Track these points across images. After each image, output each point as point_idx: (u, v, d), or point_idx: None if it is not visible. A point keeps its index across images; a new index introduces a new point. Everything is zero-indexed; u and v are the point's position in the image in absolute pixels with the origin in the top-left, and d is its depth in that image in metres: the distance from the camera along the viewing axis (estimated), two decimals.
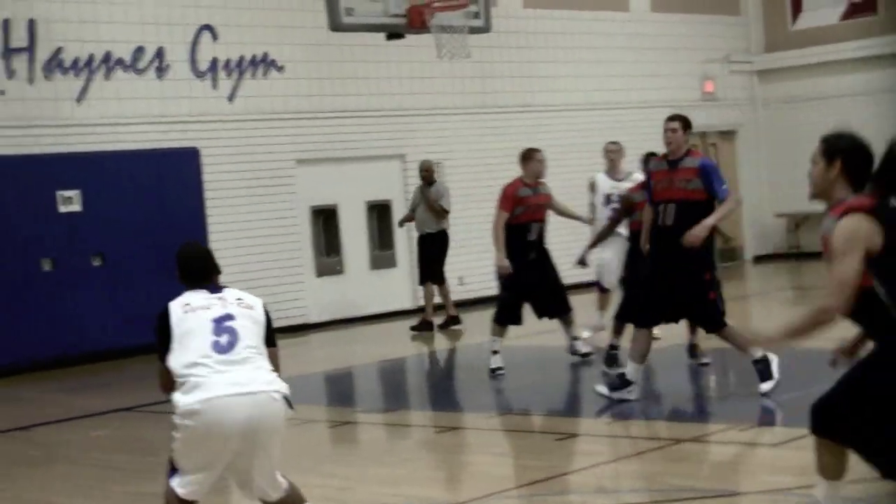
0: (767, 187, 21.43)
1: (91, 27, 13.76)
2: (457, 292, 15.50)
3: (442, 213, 14.72)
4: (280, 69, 15.41)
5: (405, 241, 16.44)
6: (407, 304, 16.55)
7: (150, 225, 14.00)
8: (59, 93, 13.50)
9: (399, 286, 16.68)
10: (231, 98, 14.98)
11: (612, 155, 12.51)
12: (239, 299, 5.67)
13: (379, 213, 16.63)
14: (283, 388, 5.42)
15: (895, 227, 4.68)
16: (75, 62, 13.61)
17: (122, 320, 13.52)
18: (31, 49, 13.28)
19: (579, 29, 18.91)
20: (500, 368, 10.86)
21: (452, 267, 15.39)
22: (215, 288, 5.70)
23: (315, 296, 15.83)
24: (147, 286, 13.30)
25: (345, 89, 16.09)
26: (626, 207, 11.06)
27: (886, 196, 4.76)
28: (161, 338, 5.51)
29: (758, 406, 8.80)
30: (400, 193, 16.57)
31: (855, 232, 4.68)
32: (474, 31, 13.66)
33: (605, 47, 19.23)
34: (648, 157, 11.06)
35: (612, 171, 12.43)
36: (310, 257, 15.99)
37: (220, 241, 14.09)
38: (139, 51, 14.17)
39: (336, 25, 12.31)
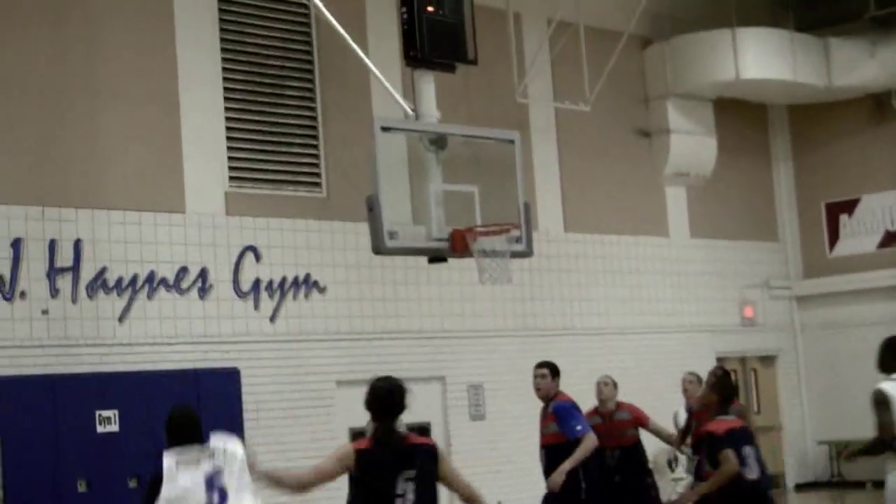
0: (808, 414, 20.89)
1: (135, 247, 13.50)
2: None
3: None
4: (322, 290, 15.09)
5: None
6: None
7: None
8: (101, 312, 13.15)
9: None
10: (273, 319, 14.60)
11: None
12: (224, 449, 6.18)
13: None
14: None
15: None
16: (119, 282, 13.31)
17: None
18: (75, 269, 12.99)
19: (619, 253, 18.63)
20: None
21: (491, 491, 14.68)
22: (203, 443, 6.07)
23: None
24: None
25: (386, 311, 15.72)
26: None
27: None
28: None
29: None
30: (440, 415, 16.03)
31: None
32: (516, 255, 13.28)
33: (644, 271, 18.91)
34: None
35: None
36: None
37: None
38: (183, 271, 13.87)
39: (379, 249, 11.92)
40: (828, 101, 20.41)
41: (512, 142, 13.08)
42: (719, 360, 19.68)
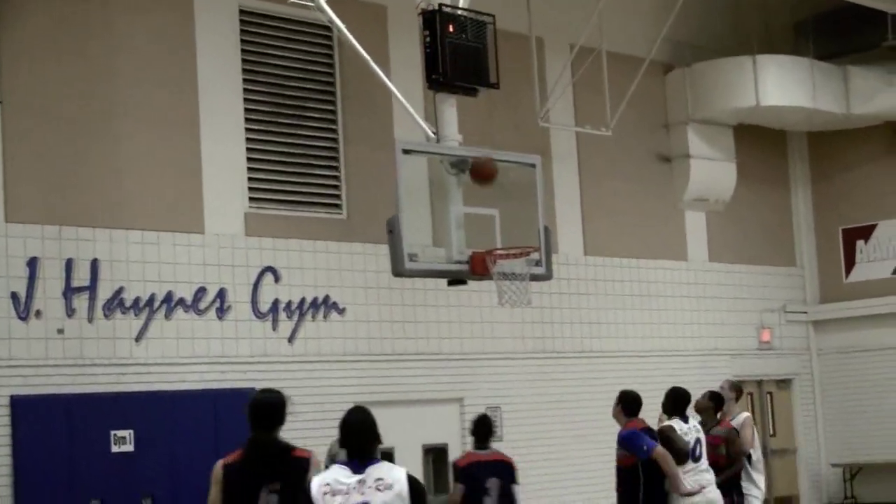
0: (823, 437, 20.42)
1: (153, 268, 12.95)
2: None
3: None
4: (341, 312, 14.51)
5: None
6: None
7: (203, 466, 12.72)
8: (118, 332, 12.60)
9: None
10: (291, 340, 14.02)
11: None
12: (379, 479, 5.40)
13: (435, 457, 15.43)
14: None
15: None
16: (136, 301, 12.75)
17: None
18: (92, 288, 12.44)
19: (638, 277, 18.09)
20: None
21: None
22: (360, 465, 5.46)
23: None
24: None
25: (405, 332, 15.15)
26: None
27: None
28: None
29: None
30: (457, 437, 15.41)
31: None
32: (536, 278, 12.76)
33: (662, 295, 18.37)
34: None
35: None
36: None
37: None
38: (201, 291, 13.30)
39: (399, 271, 11.44)
40: (846, 128, 19.90)
41: (533, 165, 12.61)
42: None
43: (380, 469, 5.46)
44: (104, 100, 12.85)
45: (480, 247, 11.75)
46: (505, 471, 9.96)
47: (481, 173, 11.20)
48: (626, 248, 17.98)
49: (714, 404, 11.84)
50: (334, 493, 5.37)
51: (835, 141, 20.39)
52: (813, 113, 19.05)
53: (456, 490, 9.89)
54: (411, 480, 5.43)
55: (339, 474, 5.43)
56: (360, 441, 5.53)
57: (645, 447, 10.21)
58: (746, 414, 11.97)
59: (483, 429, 10.18)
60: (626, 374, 17.04)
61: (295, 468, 6.01)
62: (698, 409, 11.81)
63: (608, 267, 17.69)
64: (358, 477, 5.41)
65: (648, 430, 10.64)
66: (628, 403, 10.74)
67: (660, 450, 10.22)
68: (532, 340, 16.55)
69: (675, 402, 11.34)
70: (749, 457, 11.70)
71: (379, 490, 5.38)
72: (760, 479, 11.81)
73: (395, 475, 5.45)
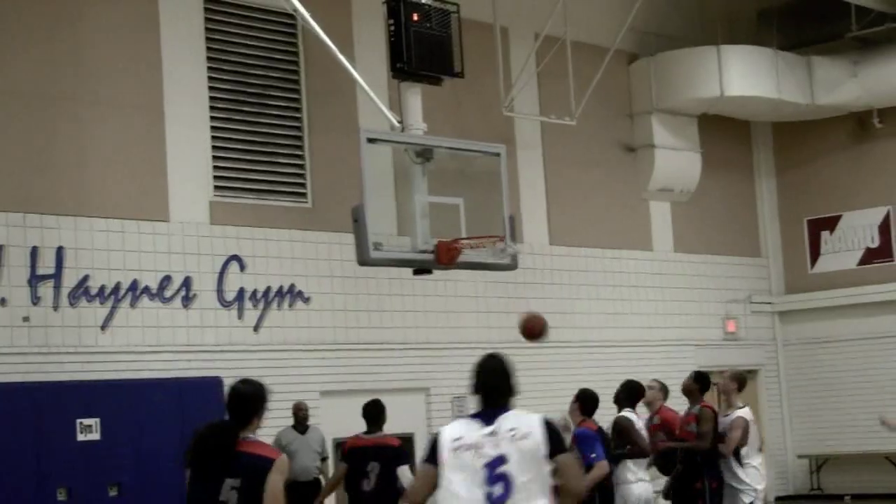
0: (789, 428, 20.74)
1: (118, 256, 13.17)
2: None
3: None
4: (306, 300, 14.77)
5: None
6: None
7: (169, 454, 13.04)
8: (83, 320, 12.82)
9: None
10: (256, 328, 14.28)
11: None
12: (512, 430, 5.05)
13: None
14: None
15: None
16: (101, 290, 12.97)
17: None
18: (57, 276, 12.66)
19: (603, 267, 18.38)
20: None
21: None
22: (491, 416, 5.14)
23: None
24: None
25: (370, 321, 15.42)
26: None
27: None
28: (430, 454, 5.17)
29: None
30: (423, 426, 15.70)
31: None
32: (501, 267, 13.06)
33: (627, 285, 18.67)
34: None
35: None
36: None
37: None
38: (166, 279, 13.54)
39: (364, 260, 11.68)
40: (811, 118, 20.22)
41: (498, 154, 12.87)
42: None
43: (511, 418, 5.15)
44: (69, 88, 13.05)
45: (445, 236, 11.98)
46: (387, 454, 10.76)
47: (532, 332, 10.76)
48: (591, 238, 18.26)
49: (699, 385, 11.86)
50: (466, 448, 5.05)
51: (800, 131, 20.69)
52: (777, 103, 19.38)
53: (339, 468, 11.26)
54: (548, 426, 5.11)
55: (469, 427, 5.14)
56: (493, 390, 5.23)
57: (593, 454, 10.26)
58: (740, 413, 11.52)
59: (370, 414, 11.14)
60: (592, 364, 17.38)
61: (254, 467, 5.59)
62: (685, 391, 11.89)
63: (573, 257, 17.97)
64: (489, 428, 5.09)
65: (600, 431, 10.77)
66: (586, 402, 10.89)
67: (603, 464, 10.28)
68: (498, 330, 16.76)
69: (629, 393, 11.50)
70: (738, 454, 11.45)
71: (514, 441, 5.06)
72: (750, 475, 11.57)
73: (529, 423, 5.14)
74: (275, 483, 5.50)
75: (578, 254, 18.06)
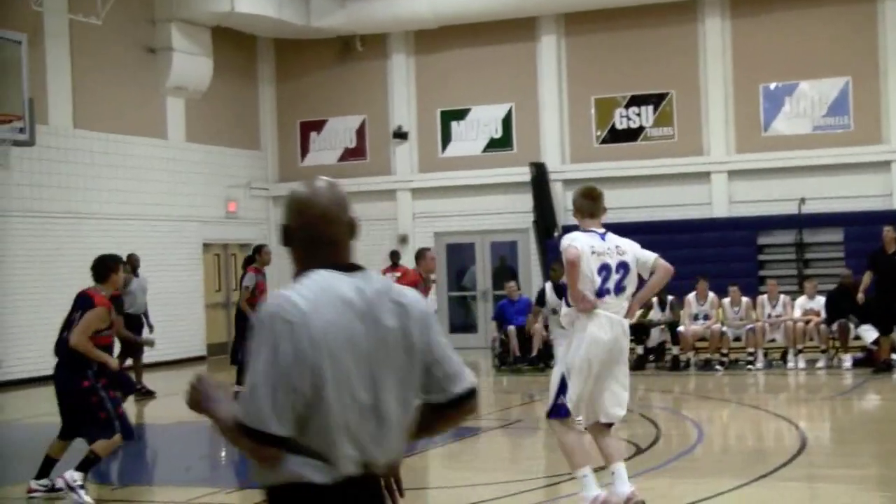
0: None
1: None
2: None
3: None
4: None
5: None
6: None
7: None
8: None
9: None
10: None
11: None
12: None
13: None
14: None
15: None
16: None
17: None
18: None
19: (123, 150, 18.23)
20: None
21: None
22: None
23: None
24: None
25: None
26: None
27: None
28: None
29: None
30: None
31: None
32: (19, 144, 12.69)
33: (144, 168, 18.56)
34: None
35: None
36: None
37: None
38: None
39: None
40: (307, 38, 20.77)
41: (19, 42, 12.46)
42: (206, 246, 19.79)
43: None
44: None
45: None
46: None
47: None
48: (114, 125, 17.99)
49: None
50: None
51: (298, 48, 21.28)
52: (279, 23, 19.83)
53: None
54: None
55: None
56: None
57: None
58: None
59: None
60: (108, 236, 17.22)
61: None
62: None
63: (95, 140, 17.67)
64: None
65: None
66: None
67: None
68: (19, 200, 16.22)
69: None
70: None
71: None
72: None
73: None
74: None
75: (100, 138, 17.80)
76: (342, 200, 2.81)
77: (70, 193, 17.04)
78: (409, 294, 2.82)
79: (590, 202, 6.50)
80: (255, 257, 13.48)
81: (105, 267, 7.64)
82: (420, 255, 12.36)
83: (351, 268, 2.76)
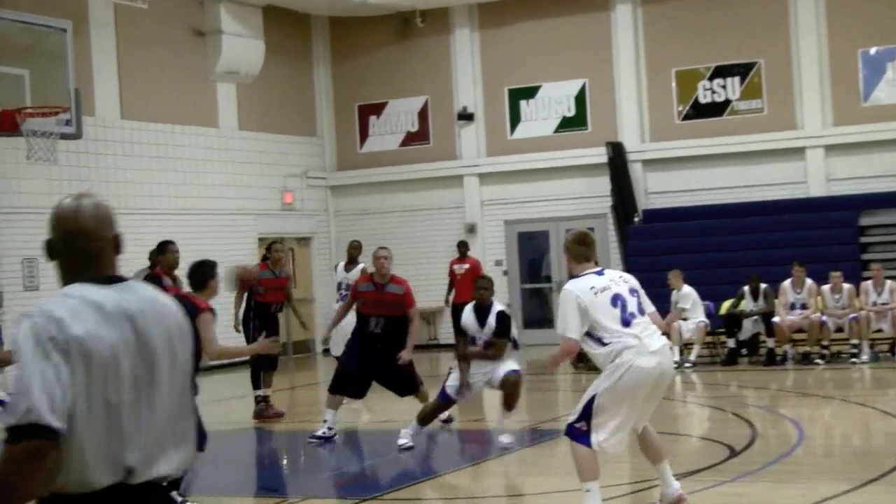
0: (333, 286, 21.49)
1: None
2: None
3: None
4: None
5: None
6: None
7: None
8: None
9: None
10: None
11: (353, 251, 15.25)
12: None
13: None
14: None
15: None
16: None
17: None
18: None
19: (172, 141, 18.42)
20: None
21: None
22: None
23: None
24: None
25: None
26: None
27: None
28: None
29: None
30: None
31: None
32: (66, 137, 12.89)
33: (195, 159, 18.77)
34: None
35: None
36: None
37: None
38: None
39: None
40: (363, 15, 20.86)
41: (64, 30, 12.65)
42: (261, 240, 19.93)
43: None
44: None
45: (10, 105, 11.70)
46: None
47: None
48: (162, 114, 18.20)
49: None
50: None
51: (353, 26, 21.36)
52: (334, 0, 19.82)
53: None
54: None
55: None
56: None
57: None
58: None
59: None
60: (161, 231, 17.38)
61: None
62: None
63: (143, 131, 17.90)
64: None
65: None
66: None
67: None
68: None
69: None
70: None
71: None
72: None
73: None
74: None
75: (148, 128, 18.04)
76: (105, 216, 3.06)
77: (118, 188, 17.25)
78: (169, 304, 3.07)
79: (584, 248, 6.81)
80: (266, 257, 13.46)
81: (201, 274, 7.71)
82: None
83: (111, 280, 3.01)
